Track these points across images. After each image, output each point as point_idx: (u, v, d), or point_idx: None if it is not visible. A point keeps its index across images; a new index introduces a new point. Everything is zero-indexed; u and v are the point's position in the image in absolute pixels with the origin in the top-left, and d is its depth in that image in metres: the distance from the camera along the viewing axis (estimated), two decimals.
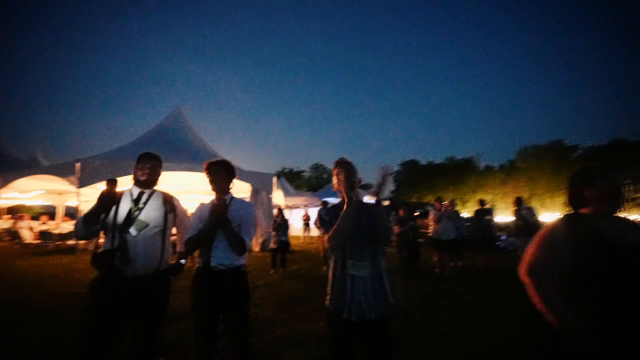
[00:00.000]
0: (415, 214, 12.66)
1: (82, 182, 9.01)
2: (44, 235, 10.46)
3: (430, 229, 6.86)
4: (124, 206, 1.97)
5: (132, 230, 1.91)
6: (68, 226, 11.86)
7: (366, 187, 64.51)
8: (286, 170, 64.33)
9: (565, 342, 1.36)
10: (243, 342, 1.98)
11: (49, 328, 3.49)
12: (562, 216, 1.56)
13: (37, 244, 10.55)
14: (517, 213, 6.68)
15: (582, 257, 1.39)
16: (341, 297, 1.72)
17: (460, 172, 51.75)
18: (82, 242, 10.42)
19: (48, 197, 17.21)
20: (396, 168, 64.23)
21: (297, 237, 14.94)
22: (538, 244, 1.52)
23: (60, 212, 18.09)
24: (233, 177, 2.14)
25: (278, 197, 13.25)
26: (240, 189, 12.27)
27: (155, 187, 2.11)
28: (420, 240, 8.25)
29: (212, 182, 2.04)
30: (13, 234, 11.45)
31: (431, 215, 6.79)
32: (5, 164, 14.83)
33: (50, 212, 18.20)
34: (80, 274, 6.38)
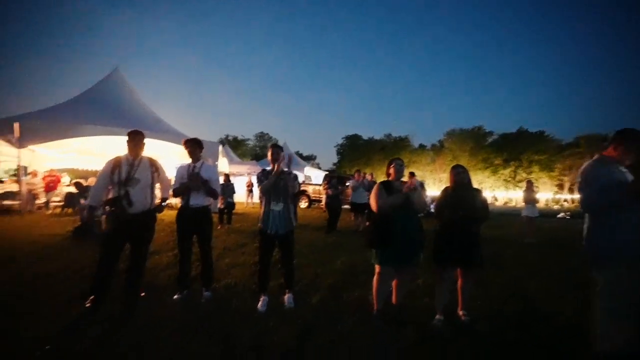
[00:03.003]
0: (347, 183, 14.66)
1: (22, 143, 9.00)
2: None
3: (350, 196, 8.64)
4: (124, 168, 3.03)
5: (132, 185, 3.02)
6: (6, 186, 11.57)
7: (309, 158, 66.02)
8: (230, 138, 62.95)
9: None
10: (208, 245, 3.38)
11: (42, 259, 4.41)
12: (379, 182, 3.13)
13: None
14: None
15: (385, 193, 2.96)
16: (267, 221, 3.14)
17: (396, 149, 55.78)
18: (17, 203, 10.44)
19: None
20: (341, 141, 66.64)
21: (241, 203, 16.11)
22: (374, 191, 3.06)
23: None
24: (202, 149, 3.39)
25: (223, 164, 14.12)
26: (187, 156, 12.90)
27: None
28: (346, 206, 10.11)
29: (190, 153, 3.29)
30: None
31: (350, 184, 8.54)
32: None
33: None
34: (39, 229, 6.98)
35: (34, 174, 11.35)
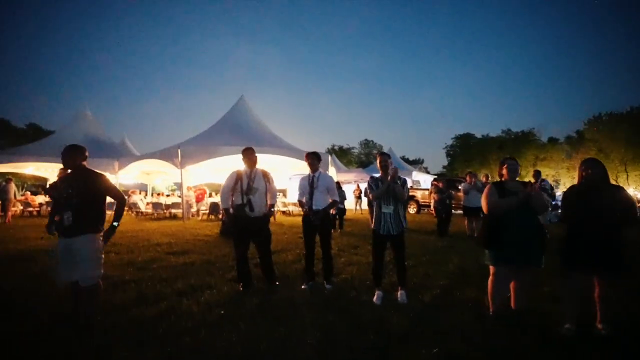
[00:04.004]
0: (459, 187, 13.80)
1: (182, 164, 11.66)
2: (156, 205, 13.54)
3: (462, 199, 8.24)
4: (245, 180, 3.80)
5: (252, 193, 3.75)
6: (171, 199, 15.05)
7: (417, 162, 63.57)
8: (336, 148, 65.64)
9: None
10: (328, 243, 3.90)
11: (197, 253, 5.74)
12: (492, 182, 3.11)
13: (150, 212, 13.74)
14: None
15: (496, 195, 2.95)
16: (379, 223, 3.44)
17: (518, 145, 48.92)
18: (180, 211, 13.35)
19: (139, 177, 20.92)
20: (450, 142, 62.33)
21: (350, 210, 16.89)
22: (485, 193, 3.08)
23: (150, 189, 22.22)
24: (320, 161, 3.95)
25: (332, 173, 15.13)
26: (302, 168, 14.37)
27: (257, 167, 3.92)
28: (458, 211, 9.63)
29: (310, 165, 3.89)
30: (130, 205, 14.88)
31: (462, 188, 8.15)
32: (106, 149, 17.49)
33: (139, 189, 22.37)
34: (196, 230, 8.95)
35: (189, 189, 14.39)
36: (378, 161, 3.54)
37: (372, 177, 3.60)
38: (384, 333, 2.61)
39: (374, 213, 3.54)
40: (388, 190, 3.38)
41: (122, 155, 16.76)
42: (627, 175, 39.73)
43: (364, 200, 16.53)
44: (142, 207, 14.22)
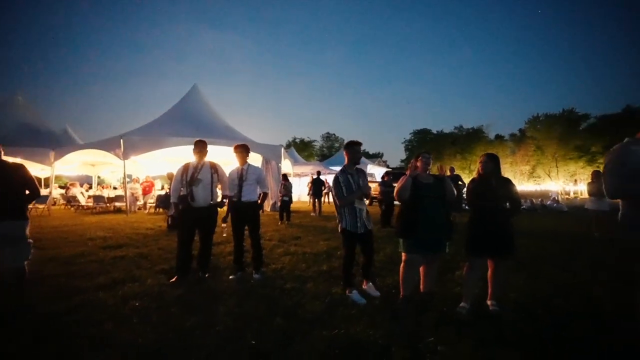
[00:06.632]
0: None
1: (125, 155, 11.03)
2: (97, 199, 12.71)
3: None
4: (190, 172, 3.81)
5: (195, 184, 3.76)
6: (116, 191, 14.17)
7: (376, 156, 65.40)
8: (297, 140, 65.53)
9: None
10: (257, 234, 3.95)
11: (132, 247, 5.55)
12: (406, 173, 3.34)
13: (91, 206, 12.88)
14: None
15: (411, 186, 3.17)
16: (355, 223, 3.33)
17: (468, 141, 52.19)
18: (124, 204, 12.69)
19: (82, 168, 19.49)
20: (409, 137, 65.24)
21: (304, 202, 17.02)
22: (400, 182, 3.29)
23: (95, 181, 20.85)
24: (248, 153, 3.98)
25: (286, 166, 15.10)
26: (252, 159, 14.20)
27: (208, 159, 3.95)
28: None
29: (238, 157, 3.90)
30: (68, 199, 13.82)
31: None
32: (43, 138, 15.87)
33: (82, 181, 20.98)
34: (138, 224, 8.55)
35: (136, 181, 13.68)
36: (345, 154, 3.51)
37: (341, 172, 3.39)
38: (295, 318, 2.74)
39: (345, 212, 3.36)
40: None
41: (62, 145, 15.45)
42: (557, 170, 43.84)
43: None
44: (83, 201, 13.30)
